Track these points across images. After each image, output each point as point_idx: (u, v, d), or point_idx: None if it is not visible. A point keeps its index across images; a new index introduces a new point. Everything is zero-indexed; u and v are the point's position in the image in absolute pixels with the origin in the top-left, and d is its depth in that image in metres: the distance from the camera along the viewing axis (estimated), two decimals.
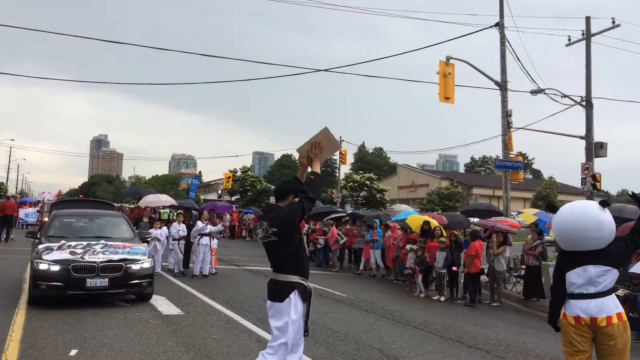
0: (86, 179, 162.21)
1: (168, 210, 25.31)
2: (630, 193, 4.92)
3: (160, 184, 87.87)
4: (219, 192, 54.68)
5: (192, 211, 17.23)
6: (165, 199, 20.31)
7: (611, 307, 4.58)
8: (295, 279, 4.59)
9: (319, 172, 4.89)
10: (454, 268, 12.88)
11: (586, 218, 4.68)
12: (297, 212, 4.62)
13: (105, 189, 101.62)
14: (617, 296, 10.31)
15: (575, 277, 4.66)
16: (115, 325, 8.02)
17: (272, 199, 47.40)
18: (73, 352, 6.47)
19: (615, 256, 4.71)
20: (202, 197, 69.34)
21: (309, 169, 4.97)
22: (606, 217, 4.72)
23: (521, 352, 7.94)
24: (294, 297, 4.52)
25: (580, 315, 4.58)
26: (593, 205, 4.88)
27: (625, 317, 4.62)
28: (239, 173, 58.28)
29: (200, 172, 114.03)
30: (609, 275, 4.63)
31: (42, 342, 6.87)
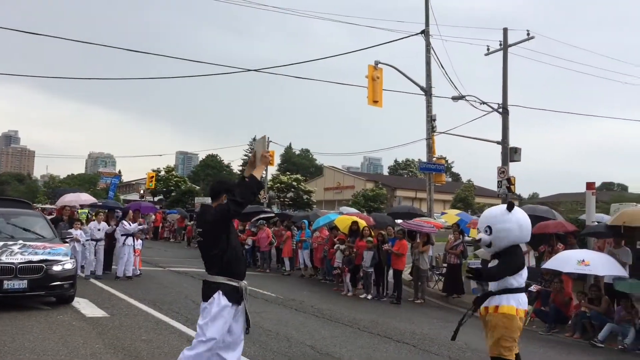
0: None
1: (86, 210, 24.25)
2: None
3: (77, 183, 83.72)
4: (142, 192, 52.89)
5: (116, 211, 16.64)
6: (85, 198, 19.43)
7: None
8: (221, 279, 4.59)
9: (257, 177, 4.73)
10: (384, 247, 13.19)
11: None
12: (222, 213, 4.61)
13: (15, 188, 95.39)
14: (530, 292, 11.07)
15: (525, 272, 5.13)
16: (37, 328, 7.65)
17: (197, 200, 46.63)
18: None
19: None
20: (122, 197, 66.86)
21: (247, 172, 4.91)
22: None
23: (445, 344, 8.31)
24: (218, 297, 4.53)
25: (526, 308, 5.06)
26: None
27: None
28: (162, 173, 56.74)
29: (120, 172, 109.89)
30: None
31: None
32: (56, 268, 9.13)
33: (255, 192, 4.73)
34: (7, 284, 8.61)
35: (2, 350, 6.44)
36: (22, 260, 8.85)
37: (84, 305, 9.54)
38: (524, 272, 5.09)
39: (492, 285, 5.11)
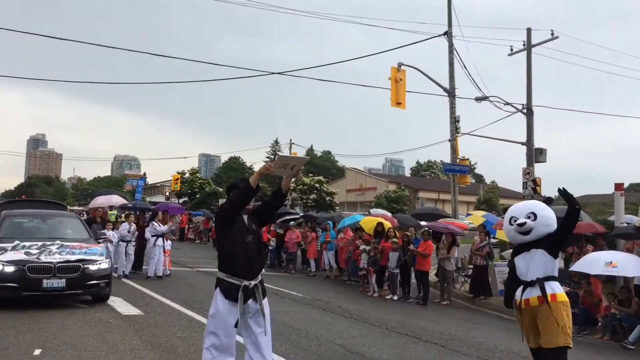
0: (22, 180, 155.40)
1: (115, 212, 24.77)
2: (562, 189, 5.28)
3: (104, 185, 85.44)
4: (167, 194, 53.66)
5: (146, 212, 16.99)
6: (116, 200, 19.90)
7: None
8: (222, 276, 4.84)
9: (252, 183, 4.77)
10: (410, 247, 13.28)
11: None
12: (219, 211, 5.09)
13: (44, 190, 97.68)
14: None
15: None
16: (76, 325, 7.93)
17: (221, 202, 47.25)
18: (37, 352, 6.40)
19: None
20: (147, 199, 67.87)
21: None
22: None
23: (474, 345, 8.37)
24: (215, 293, 4.82)
25: None
26: None
27: None
28: (187, 175, 57.45)
29: (144, 174, 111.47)
30: None
31: (3, 343, 6.74)
32: (92, 267, 9.44)
33: (247, 195, 4.78)
34: (46, 283, 8.93)
35: (44, 346, 6.72)
36: (60, 260, 9.16)
37: (119, 304, 9.83)
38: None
39: (537, 272, 4.99)
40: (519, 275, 5.15)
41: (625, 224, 12.34)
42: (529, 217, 5.12)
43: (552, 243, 5.03)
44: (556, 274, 5.06)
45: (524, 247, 5.17)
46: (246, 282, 4.77)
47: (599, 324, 10.31)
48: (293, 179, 5.47)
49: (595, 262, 9.85)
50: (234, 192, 4.92)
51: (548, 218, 5.11)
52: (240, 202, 4.85)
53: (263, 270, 5.17)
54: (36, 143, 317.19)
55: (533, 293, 4.96)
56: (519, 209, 5.35)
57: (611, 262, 9.52)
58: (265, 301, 4.98)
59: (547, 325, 4.85)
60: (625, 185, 13.40)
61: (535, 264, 5.01)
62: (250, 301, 4.80)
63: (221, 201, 46.90)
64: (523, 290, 5.04)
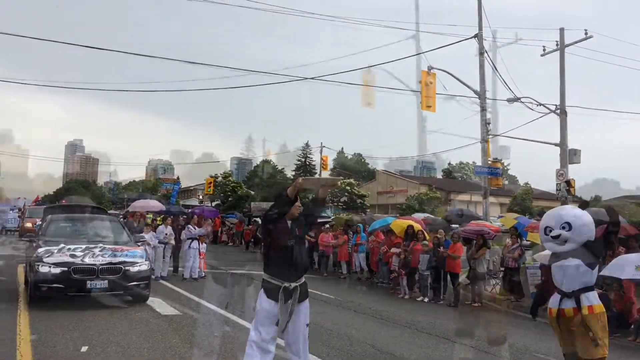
0: (60, 185, 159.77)
1: (151, 215, 25.47)
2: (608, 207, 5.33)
3: (139, 190, 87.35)
4: (200, 197, 54.61)
5: (181, 216, 17.51)
6: (154, 204, 20.54)
7: None
8: (265, 277, 5.17)
9: (288, 194, 5.17)
10: (440, 250, 13.38)
11: None
12: (264, 217, 5.50)
13: (82, 195, 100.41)
14: None
15: None
16: (119, 324, 8.35)
17: (253, 205, 47.89)
18: (84, 349, 6.80)
19: None
20: (181, 202, 69.01)
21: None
22: None
23: (504, 346, 8.46)
24: (260, 292, 5.12)
25: None
26: None
27: None
28: (219, 178, 58.21)
29: (178, 178, 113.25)
30: None
31: (52, 340, 7.18)
32: (133, 269, 9.88)
33: (284, 204, 5.20)
34: (90, 284, 9.41)
35: (91, 343, 7.13)
36: (103, 262, 9.63)
37: (157, 304, 10.23)
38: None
39: (574, 284, 4.97)
40: (555, 284, 5.13)
41: None
42: (563, 228, 5.04)
43: (589, 254, 4.98)
44: (593, 283, 5.03)
45: (562, 255, 5.11)
46: (286, 284, 5.04)
47: (632, 326, 10.23)
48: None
49: (624, 266, 9.78)
50: (275, 201, 5.37)
51: (584, 226, 5.04)
52: (279, 211, 5.22)
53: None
54: (73, 148, 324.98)
55: (569, 304, 4.95)
56: (553, 217, 5.25)
57: None
58: (305, 303, 5.24)
59: (584, 337, 4.88)
60: None
61: (571, 274, 4.96)
62: (289, 302, 5.05)
63: (253, 204, 47.53)
64: (560, 300, 5.03)
